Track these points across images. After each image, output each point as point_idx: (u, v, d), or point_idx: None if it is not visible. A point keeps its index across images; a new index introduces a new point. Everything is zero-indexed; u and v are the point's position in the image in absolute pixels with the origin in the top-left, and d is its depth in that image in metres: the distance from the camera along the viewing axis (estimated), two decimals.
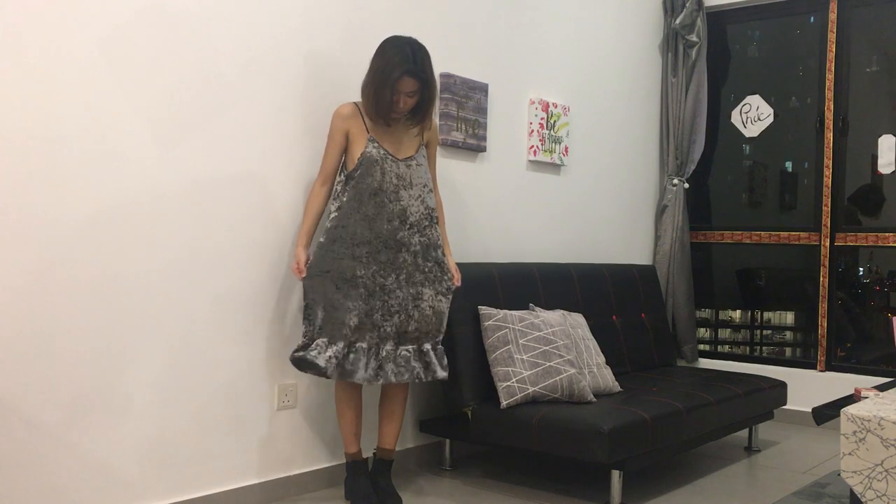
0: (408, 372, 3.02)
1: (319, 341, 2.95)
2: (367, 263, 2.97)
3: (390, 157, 3.03)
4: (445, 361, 3.12)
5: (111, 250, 2.67)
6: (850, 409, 2.35)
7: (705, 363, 5.25)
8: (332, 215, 3.01)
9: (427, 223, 3.09)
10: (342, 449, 3.36)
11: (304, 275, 3.00)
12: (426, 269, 3.07)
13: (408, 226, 3.03)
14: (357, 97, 3.17)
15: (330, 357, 2.92)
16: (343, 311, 2.94)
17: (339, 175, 3.09)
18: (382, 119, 3.01)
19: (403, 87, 2.96)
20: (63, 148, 2.55)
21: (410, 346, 3.04)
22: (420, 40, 3.07)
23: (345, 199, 3.01)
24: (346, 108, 3.07)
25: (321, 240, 3.01)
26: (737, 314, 5.43)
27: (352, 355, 2.96)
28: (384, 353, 2.99)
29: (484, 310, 3.50)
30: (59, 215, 2.54)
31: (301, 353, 2.96)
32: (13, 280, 2.45)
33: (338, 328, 2.94)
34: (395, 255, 3.01)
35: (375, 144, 3.01)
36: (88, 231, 2.61)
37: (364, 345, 2.97)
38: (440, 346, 3.12)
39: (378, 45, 3.03)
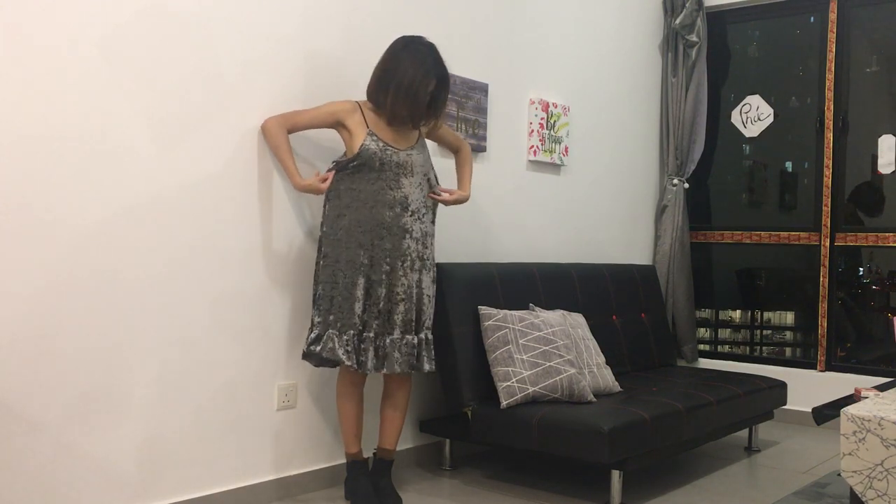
0: (413, 360, 3.06)
1: (331, 332, 2.96)
2: (372, 250, 3.00)
3: (390, 147, 3.05)
4: (433, 354, 3.14)
5: (111, 250, 2.67)
6: (850, 409, 2.35)
7: (705, 363, 5.25)
8: (332, 203, 3.03)
9: (425, 211, 3.14)
10: (342, 449, 3.36)
11: (328, 181, 3.01)
12: (424, 257, 3.12)
13: (409, 212, 3.07)
14: (357, 96, 3.18)
15: (348, 348, 2.96)
16: (352, 299, 2.97)
17: (332, 164, 3.07)
18: (413, 123, 3.07)
19: (430, 88, 3.04)
20: (63, 148, 2.55)
21: (413, 335, 3.06)
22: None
23: (342, 188, 3.03)
24: (349, 103, 3.09)
25: (326, 230, 3.03)
26: (737, 314, 5.43)
27: (362, 344, 2.99)
28: (389, 342, 3.01)
29: (484, 310, 3.50)
30: (59, 215, 2.54)
31: (315, 347, 2.98)
32: (13, 280, 2.45)
33: (348, 317, 2.97)
34: (399, 242, 3.04)
35: (374, 138, 3.04)
36: (88, 231, 2.61)
37: (371, 333, 3.00)
38: (430, 337, 3.14)
39: (388, 45, 3.07)
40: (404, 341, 3.04)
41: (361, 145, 3.01)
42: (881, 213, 4.88)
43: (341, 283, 2.98)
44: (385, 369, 3.02)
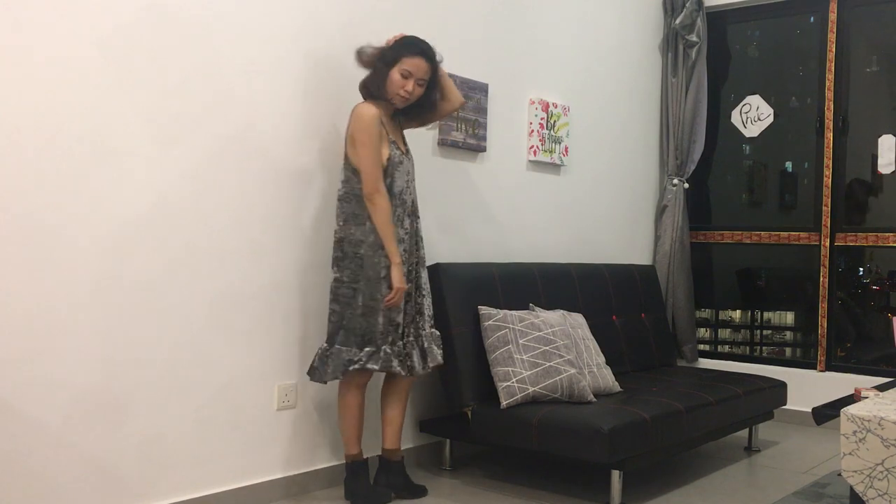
0: (430, 355, 3.14)
1: (385, 347, 2.98)
2: (407, 261, 3.07)
3: (399, 151, 3.09)
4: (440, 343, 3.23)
5: (111, 251, 2.67)
6: (850, 409, 2.35)
7: (705, 363, 5.25)
8: (368, 224, 2.98)
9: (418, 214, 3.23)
10: (342, 449, 3.36)
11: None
12: (424, 257, 3.22)
13: (417, 216, 3.17)
14: (355, 95, 3.18)
15: (400, 358, 3.02)
16: (396, 312, 3.01)
17: (358, 180, 3.02)
18: (392, 99, 3.04)
19: (416, 69, 3.01)
20: (63, 149, 2.55)
21: (427, 331, 3.16)
22: (423, 44, 3.11)
23: None
24: (374, 108, 3.00)
25: (365, 250, 2.98)
26: (737, 314, 5.43)
27: (405, 349, 3.07)
28: (425, 336, 3.13)
29: (484, 310, 3.50)
30: (59, 215, 2.54)
31: (373, 365, 2.96)
32: (12, 280, 2.45)
33: (395, 328, 3.02)
34: (417, 246, 3.15)
35: (395, 146, 3.07)
36: (88, 231, 2.61)
37: (411, 337, 3.09)
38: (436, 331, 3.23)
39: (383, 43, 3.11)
40: (434, 334, 3.15)
41: (389, 157, 3.03)
42: (870, 208, 4.88)
43: (385, 297, 2.99)
44: (430, 363, 3.11)
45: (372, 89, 3.04)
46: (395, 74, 3.00)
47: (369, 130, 2.94)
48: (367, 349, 2.97)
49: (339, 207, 3.05)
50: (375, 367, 2.96)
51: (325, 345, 3.03)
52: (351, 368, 2.97)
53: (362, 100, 3.10)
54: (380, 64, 3.02)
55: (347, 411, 3.11)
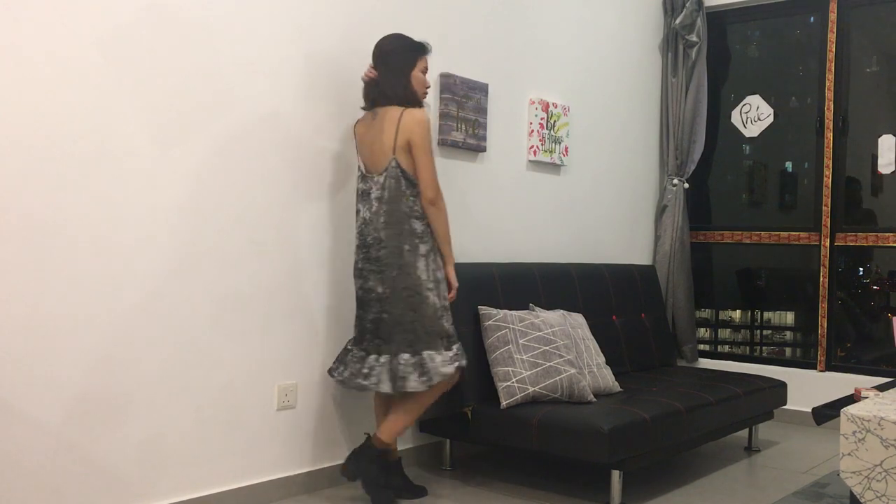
0: None
1: (455, 347, 3.08)
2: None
3: None
4: None
5: (111, 250, 2.67)
6: (850, 409, 2.35)
7: (705, 363, 5.25)
8: (424, 227, 3.03)
9: None
10: (341, 449, 3.36)
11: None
12: None
13: None
14: (354, 96, 3.18)
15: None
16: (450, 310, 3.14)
17: (414, 187, 3.02)
18: (421, 98, 3.13)
19: (427, 63, 3.16)
20: (63, 148, 2.55)
21: None
22: (420, 40, 3.16)
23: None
24: (426, 118, 3.04)
25: (426, 252, 3.02)
26: (737, 314, 5.43)
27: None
28: None
29: (484, 310, 3.50)
30: (59, 215, 2.54)
31: (459, 362, 3.05)
32: (12, 280, 2.45)
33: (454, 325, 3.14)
34: None
35: None
36: (88, 231, 2.61)
37: None
38: None
39: (385, 51, 3.13)
40: None
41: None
42: (862, 205, 4.89)
43: (446, 296, 3.11)
44: None
45: (409, 98, 3.07)
46: (419, 74, 3.12)
47: (430, 136, 3.04)
48: (455, 347, 3.06)
49: (386, 213, 2.99)
50: (464, 362, 3.08)
51: (407, 355, 2.97)
52: (452, 366, 3.01)
53: (371, 109, 3.11)
54: (400, 73, 3.07)
55: (421, 411, 3.12)
